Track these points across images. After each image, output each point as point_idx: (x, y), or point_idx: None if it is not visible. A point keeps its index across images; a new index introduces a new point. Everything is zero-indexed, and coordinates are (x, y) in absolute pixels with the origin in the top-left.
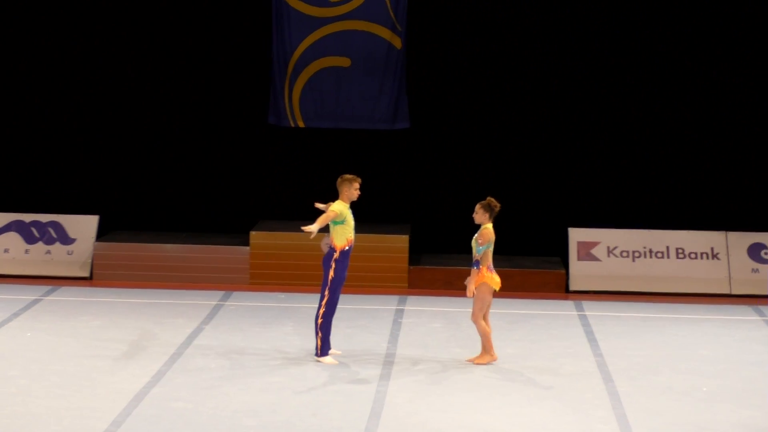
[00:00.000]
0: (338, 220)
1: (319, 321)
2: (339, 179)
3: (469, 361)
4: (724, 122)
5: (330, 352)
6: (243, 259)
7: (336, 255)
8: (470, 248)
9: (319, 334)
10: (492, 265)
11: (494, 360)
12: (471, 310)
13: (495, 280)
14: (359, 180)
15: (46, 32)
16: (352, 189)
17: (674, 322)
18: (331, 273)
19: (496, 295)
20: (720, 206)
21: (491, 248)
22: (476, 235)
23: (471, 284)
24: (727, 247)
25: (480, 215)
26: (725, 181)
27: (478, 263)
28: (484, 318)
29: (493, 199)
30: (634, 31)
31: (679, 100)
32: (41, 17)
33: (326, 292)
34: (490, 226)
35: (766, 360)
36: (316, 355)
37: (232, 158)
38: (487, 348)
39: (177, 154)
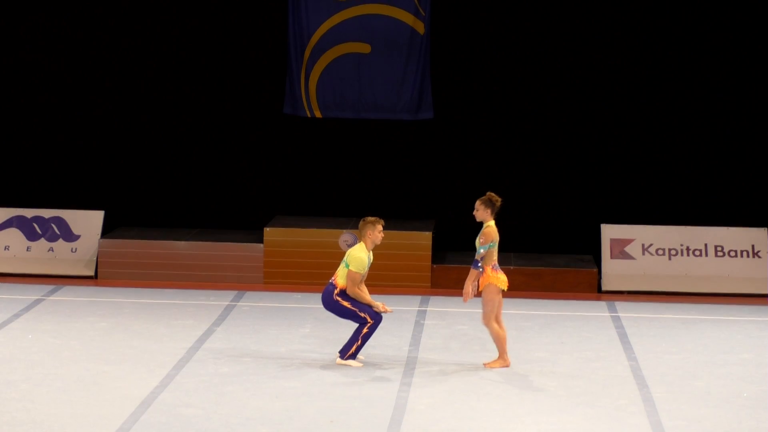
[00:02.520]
0: (348, 262)
1: (364, 330)
2: (361, 222)
3: (485, 365)
4: (764, 117)
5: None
6: (257, 257)
7: (336, 290)
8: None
9: (358, 342)
10: (497, 264)
11: (507, 365)
12: (483, 312)
13: (501, 279)
14: (382, 222)
15: (52, 24)
16: (375, 231)
17: (713, 323)
18: (346, 304)
19: (523, 295)
20: (761, 201)
21: (495, 247)
22: (479, 234)
23: (469, 285)
24: None
25: (481, 212)
26: (766, 175)
27: (477, 263)
28: (497, 319)
29: (493, 194)
30: (672, 24)
31: (719, 93)
32: (46, 10)
33: (363, 315)
34: (492, 223)
35: None
36: (342, 356)
37: (246, 150)
38: (500, 352)
39: (187, 146)
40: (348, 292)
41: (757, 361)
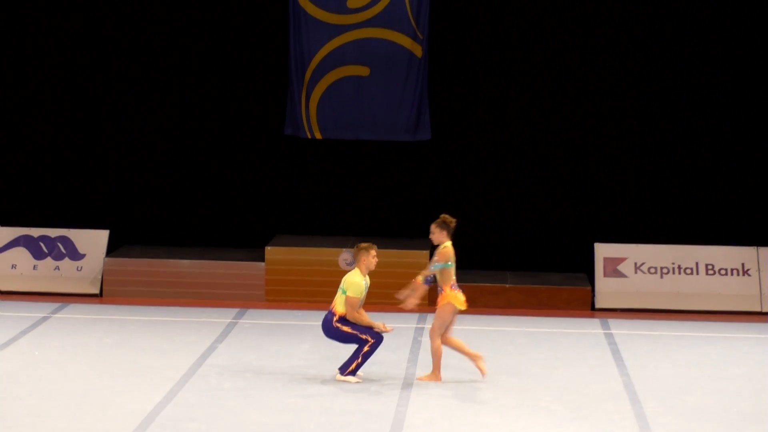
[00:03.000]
0: (346, 289)
1: (365, 348)
2: (355, 249)
3: (418, 378)
4: (755, 136)
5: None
6: (258, 276)
7: (336, 318)
8: (492, 264)
9: (359, 359)
10: (456, 284)
11: (438, 381)
12: (432, 325)
13: (459, 299)
14: (375, 247)
15: (57, 45)
16: (369, 257)
17: (704, 340)
18: (347, 329)
19: (519, 312)
20: (751, 220)
21: (453, 267)
22: (435, 253)
23: (411, 297)
24: (759, 262)
25: (437, 234)
26: (757, 195)
27: (429, 279)
28: (444, 336)
29: (447, 216)
30: (664, 51)
31: (711, 114)
32: (52, 33)
33: (364, 337)
34: (449, 244)
35: None
36: (342, 372)
37: (248, 171)
38: (435, 367)
39: (190, 166)
40: (348, 317)
41: (748, 376)
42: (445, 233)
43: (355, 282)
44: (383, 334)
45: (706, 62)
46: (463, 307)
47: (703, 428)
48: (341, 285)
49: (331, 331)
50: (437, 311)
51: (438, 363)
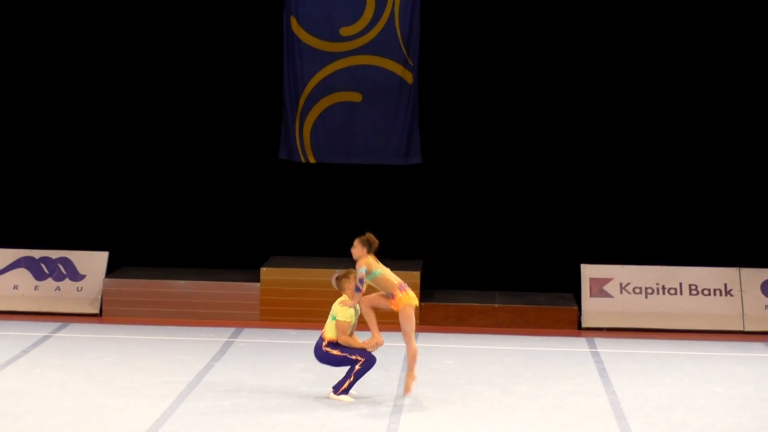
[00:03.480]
0: (335, 315)
1: (357, 368)
2: (336, 281)
3: (407, 388)
4: (737, 161)
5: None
6: (254, 296)
7: (324, 343)
8: (481, 285)
9: (351, 378)
10: (403, 284)
11: (413, 380)
12: (404, 330)
13: (411, 297)
14: (353, 270)
15: (57, 67)
16: (351, 282)
17: (688, 359)
18: (336, 353)
19: (507, 331)
20: (733, 242)
21: (386, 271)
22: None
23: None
24: (741, 283)
25: (358, 250)
26: (738, 217)
27: (358, 289)
28: (370, 305)
29: (371, 235)
30: (647, 80)
31: (693, 138)
32: (53, 54)
33: (354, 358)
34: (368, 258)
35: None
36: (335, 391)
37: (243, 194)
38: (410, 368)
39: (187, 189)
40: (340, 341)
41: (730, 394)
42: (365, 250)
43: (344, 309)
44: (375, 355)
45: (689, 90)
46: (416, 303)
47: None
48: (331, 312)
49: (321, 356)
50: (400, 317)
51: (413, 365)
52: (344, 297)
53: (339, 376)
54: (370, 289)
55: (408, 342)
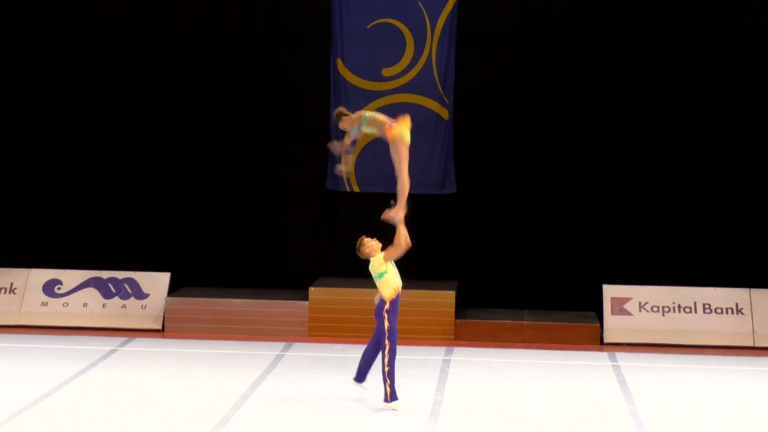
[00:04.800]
0: (380, 272)
1: (386, 369)
2: (358, 251)
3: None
4: (749, 190)
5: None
6: (302, 314)
7: (387, 306)
8: (510, 304)
9: (388, 381)
10: (391, 121)
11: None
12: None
13: (402, 129)
14: (363, 237)
15: (118, 92)
16: (370, 245)
17: (702, 372)
18: (386, 323)
19: (534, 347)
20: (744, 265)
21: (390, 272)
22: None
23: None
24: (751, 302)
25: (345, 124)
26: (749, 242)
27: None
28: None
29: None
30: (664, 104)
31: (708, 167)
32: (112, 78)
33: (386, 342)
34: (351, 117)
35: None
36: (386, 401)
37: (294, 221)
38: (400, 201)
39: (244, 216)
40: (404, 244)
41: (742, 405)
42: (346, 119)
43: (380, 264)
44: (395, 350)
45: (705, 117)
46: (408, 126)
47: None
48: (373, 273)
49: (379, 315)
50: (391, 150)
51: (404, 198)
52: (374, 259)
53: (374, 384)
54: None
55: (399, 175)
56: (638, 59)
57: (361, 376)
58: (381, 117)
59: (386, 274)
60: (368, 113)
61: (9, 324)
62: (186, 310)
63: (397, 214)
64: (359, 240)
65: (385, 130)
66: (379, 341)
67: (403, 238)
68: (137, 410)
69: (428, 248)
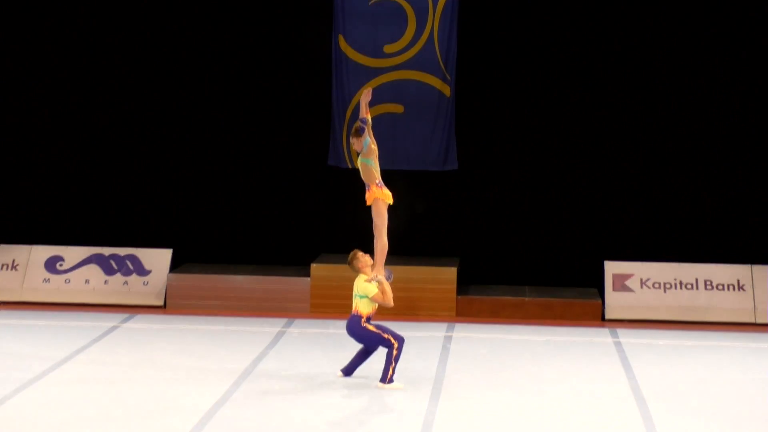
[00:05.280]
0: (364, 295)
1: (394, 353)
2: (350, 265)
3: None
4: (750, 168)
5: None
6: (304, 290)
7: (363, 319)
8: (512, 280)
9: (392, 364)
10: (382, 183)
11: (381, 274)
12: (374, 224)
13: (384, 193)
14: (357, 251)
15: (123, 72)
16: (362, 260)
17: (704, 349)
18: (373, 329)
19: (536, 323)
20: (746, 241)
21: (376, 165)
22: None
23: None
24: (752, 279)
25: (355, 144)
26: (751, 218)
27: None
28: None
29: (356, 123)
30: (668, 85)
31: (710, 144)
32: (116, 67)
33: (386, 337)
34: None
35: None
36: (383, 382)
37: (296, 197)
38: (378, 263)
39: (245, 193)
40: (386, 301)
41: (743, 381)
42: (360, 139)
43: (365, 288)
44: (399, 336)
45: (705, 99)
46: (390, 201)
47: (703, 428)
48: (356, 293)
49: (359, 332)
50: (372, 210)
51: (382, 260)
52: (364, 276)
53: (374, 365)
54: None
55: (377, 236)
56: (640, 33)
57: (350, 371)
58: (376, 173)
59: (368, 297)
60: (374, 160)
61: (11, 300)
62: (188, 286)
63: (376, 275)
64: (353, 253)
65: (372, 186)
66: (368, 350)
67: (389, 298)
68: (139, 386)
69: (430, 225)
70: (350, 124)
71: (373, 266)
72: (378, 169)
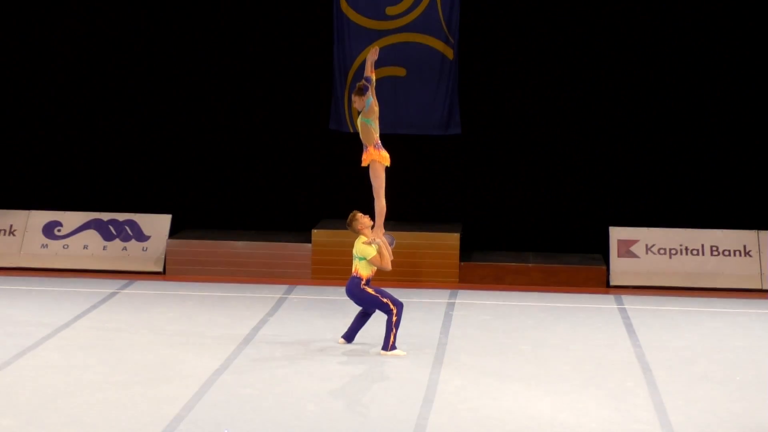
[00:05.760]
0: (363, 257)
1: (393, 319)
2: (349, 226)
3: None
4: (756, 133)
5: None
6: (305, 256)
7: (363, 281)
8: (516, 246)
9: (393, 331)
10: (380, 144)
11: (380, 236)
12: (373, 186)
13: (382, 155)
14: (357, 212)
15: (122, 37)
16: (362, 221)
17: (709, 315)
18: (371, 292)
19: (540, 289)
20: (752, 206)
21: (376, 126)
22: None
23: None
24: (759, 245)
25: (358, 100)
26: (758, 183)
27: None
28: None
29: (359, 84)
30: (672, 50)
31: (715, 113)
32: (117, 31)
33: (385, 301)
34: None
35: None
36: (385, 349)
37: (296, 162)
38: (378, 226)
39: (245, 157)
40: (383, 264)
41: (749, 347)
42: (363, 98)
43: (364, 249)
44: (398, 301)
45: (711, 61)
46: (387, 163)
47: (708, 395)
48: (355, 254)
49: (358, 294)
50: (370, 172)
51: (381, 221)
52: (363, 237)
53: (374, 332)
54: None
55: (377, 198)
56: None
57: (351, 337)
58: (375, 135)
59: (367, 258)
60: (374, 120)
61: (9, 266)
62: (187, 252)
63: (376, 236)
64: (352, 214)
65: (369, 148)
66: (366, 313)
67: (387, 261)
68: (138, 352)
69: (432, 190)
70: (351, 87)
71: (372, 228)
72: (377, 130)
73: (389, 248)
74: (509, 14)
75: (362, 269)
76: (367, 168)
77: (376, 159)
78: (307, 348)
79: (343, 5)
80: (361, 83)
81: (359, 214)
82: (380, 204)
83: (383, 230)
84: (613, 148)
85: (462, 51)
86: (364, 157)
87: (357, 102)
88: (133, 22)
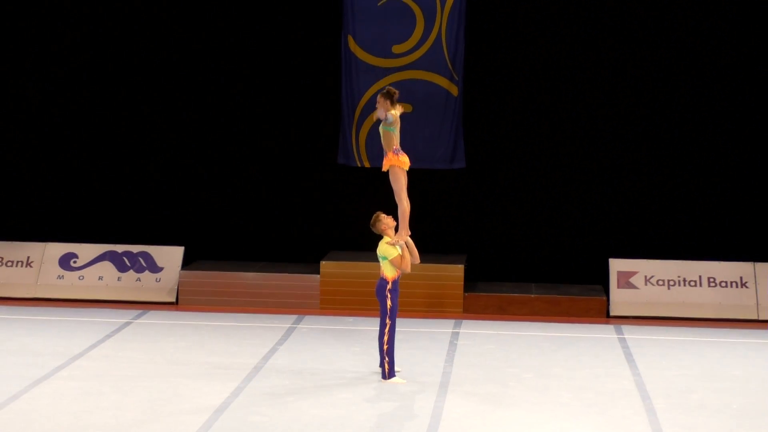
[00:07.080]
0: (386, 256)
1: (385, 347)
2: (372, 227)
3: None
4: (753, 167)
5: (395, 369)
6: (314, 287)
7: (389, 286)
8: (519, 277)
9: (387, 359)
10: (399, 149)
11: (406, 237)
12: (394, 190)
13: (400, 160)
14: (380, 212)
15: (137, 76)
16: (385, 222)
17: (707, 344)
18: (389, 303)
19: (542, 319)
20: (748, 239)
21: (397, 133)
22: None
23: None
24: (755, 276)
25: (382, 104)
26: (754, 216)
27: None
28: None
29: (390, 87)
30: (671, 83)
31: (713, 143)
32: (133, 70)
33: (387, 321)
34: (392, 109)
35: None
36: (384, 378)
37: (305, 195)
38: (403, 226)
39: (255, 191)
40: (404, 265)
41: (745, 376)
42: (389, 102)
43: (387, 249)
44: (395, 328)
45: (708, 94)
46: (406, 167)
47: (706, 423)
48: (380, 254)
49: (380, 294)
50: (390, 177)
51: (405, 223)
52: (387, 238)
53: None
54: None
55: (399, 201)
56: (647, 33)
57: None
58: (396, 141)
59: (388, 259)
60: (395, 129)
61: (26, 297)
62: (199, 283)
63: (401, 238)
64: (375, 215)
65: (389, 153)
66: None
67: (407, 263)
68: (151, 382)
69: (438, 222)
70: (359, 123)
71: (396, 229)
72: (398, 136)
73: (415, 250)
74: (512, 51)
75: (387, 270)
76: (387, 173)
77: (396, 164)
78: (315, 376)
79: (351, 43)
80: (390, 88)
81: (383, 215)
82: (402, 206)
83: (408, 231)
84: (613, 183)
85: (466, 87)
86: (384, 162)
87: (380, 103)
88: (145, 59)
